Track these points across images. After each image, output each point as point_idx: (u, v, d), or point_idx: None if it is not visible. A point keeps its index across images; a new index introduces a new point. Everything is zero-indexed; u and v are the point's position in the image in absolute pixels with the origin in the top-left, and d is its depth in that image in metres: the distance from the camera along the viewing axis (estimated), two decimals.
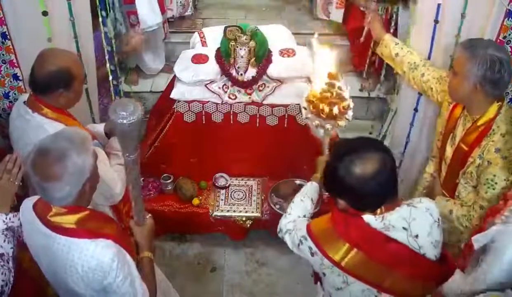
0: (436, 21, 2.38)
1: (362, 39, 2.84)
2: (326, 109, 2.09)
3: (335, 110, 2.09)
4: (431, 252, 1.50)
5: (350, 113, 2.17)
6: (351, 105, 2.18)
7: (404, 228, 1.48)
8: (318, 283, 1.83)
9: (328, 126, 2.15)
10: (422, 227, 1.50)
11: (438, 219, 1.55)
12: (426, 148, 2.74)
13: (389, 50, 2.49)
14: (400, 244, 1.47)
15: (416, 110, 2.69)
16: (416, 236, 1.48)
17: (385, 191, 1.49)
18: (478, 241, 1.69)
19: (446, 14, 2.34)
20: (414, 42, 2.52)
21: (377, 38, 2.61)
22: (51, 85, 1.97)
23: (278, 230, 1.84)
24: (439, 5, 2.32)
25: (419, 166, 2.81)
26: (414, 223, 1.49)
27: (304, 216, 1.84)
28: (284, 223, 1.81)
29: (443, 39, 2.41)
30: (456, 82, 2.01)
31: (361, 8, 3.71)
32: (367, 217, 1.50)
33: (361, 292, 1.52)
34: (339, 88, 2.18)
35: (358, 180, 1.46)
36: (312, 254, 1.57)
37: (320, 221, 1.62)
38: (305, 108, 2.21)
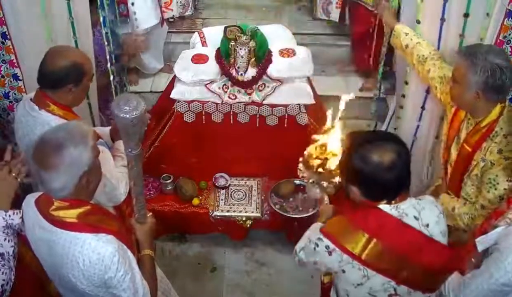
0: (442, 19, 2.36)
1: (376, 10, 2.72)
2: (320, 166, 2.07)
3: (330, 165, 2.05)
4: (441, 241, 1.56)
5: None
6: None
7: (415, 217, 1.53)
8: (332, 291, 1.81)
9: (324, 183, 2.12)
10: (430, 216, 1.55)
11: (442, 211, 1.61)
12: (432, 146, 2.74)
13: (400, 41, 2.46)
14: (416, 230, 1.51)
15: (423, 108, 2.67)
16: (427, 225, 1.53)
17: (399, 182, 1.52)
18: (481, 243, 1.68)
19: (449, 13, 2.33)
20: None
21: (389, 27, 2.58)
22: (62, 79, 1.99)
23: (294, 255, 1.80)
24: (445, 1, 2.30)
25: (425, 164, 2.82)
26: (423, 212, 1.54)
27: None
28: (298, 246, 1.78)
29: (448, 39, 2.40)
30: (457, 90, 1.99)
31: (369, 8, 3.69)
32: (383, 206, 1.53)
33: (381, 285, 1.54)
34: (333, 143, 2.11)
35: (375, 168, 1.48)
36: (330, 253, 1.55)
37: (333, 221, 1.64)
38: (300, 170, 2.22)
